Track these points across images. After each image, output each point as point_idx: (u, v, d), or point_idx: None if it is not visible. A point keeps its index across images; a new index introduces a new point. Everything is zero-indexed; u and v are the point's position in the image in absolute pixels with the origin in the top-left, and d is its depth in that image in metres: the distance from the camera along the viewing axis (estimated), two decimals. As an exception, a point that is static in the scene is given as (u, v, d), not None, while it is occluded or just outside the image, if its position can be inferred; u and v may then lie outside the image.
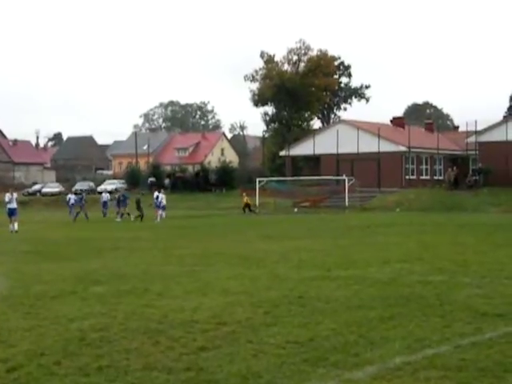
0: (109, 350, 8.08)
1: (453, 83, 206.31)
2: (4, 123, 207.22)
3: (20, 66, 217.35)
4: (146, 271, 15.65)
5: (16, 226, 30.86)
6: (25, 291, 12.71)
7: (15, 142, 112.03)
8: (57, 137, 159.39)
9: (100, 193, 75.17)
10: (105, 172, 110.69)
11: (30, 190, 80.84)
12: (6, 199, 32.26)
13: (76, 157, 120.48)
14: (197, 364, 7.44)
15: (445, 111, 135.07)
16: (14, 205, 31.71)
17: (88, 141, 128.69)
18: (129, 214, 43.49)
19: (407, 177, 63.86)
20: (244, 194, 52.84)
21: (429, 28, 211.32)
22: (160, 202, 42.09)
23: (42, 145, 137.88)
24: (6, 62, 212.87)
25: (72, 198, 49.37)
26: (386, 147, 63.14)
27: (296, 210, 53.74)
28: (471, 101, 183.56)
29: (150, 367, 7.34)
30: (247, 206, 51.87)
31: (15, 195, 32.59)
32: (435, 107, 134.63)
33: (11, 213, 31.53)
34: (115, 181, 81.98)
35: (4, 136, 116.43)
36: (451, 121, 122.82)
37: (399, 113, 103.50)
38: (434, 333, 8.71)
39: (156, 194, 43.42)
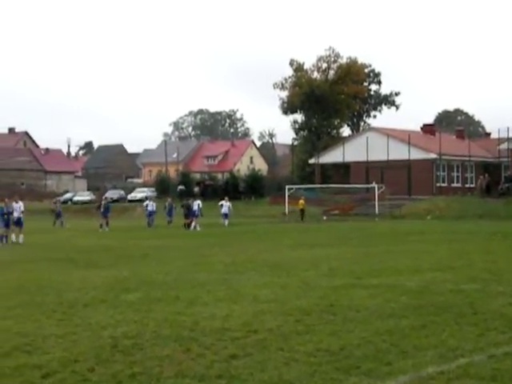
0: (141, 357, 8.13)
1: (484, 90, 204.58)
2: (36, 132, 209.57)
3: (52, 75, 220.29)
4: (177, 279, 15.71)
5: (21, 237, 29.57)
6: (58, 299, 12.85)
7: (47, 150, 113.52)
8: (88, 145, 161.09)
9: (131, 201, 76.06)
10: (135, 180, 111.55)
11: (62, 199, 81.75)
12: (11, 209, 30.07)
13: (106, 165, 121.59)
14: (228, 371, 7.45)
15: (476, 118, 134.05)
16: (18, 214, 29.88)
17: (118, 149, 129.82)
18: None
19: (438, 184, 63.37)
20: (301, 199, 52.91)
21: (459, 35, 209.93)
22: (195, 211, 41.99)
23: (73, 153, 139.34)
24: (38, 71, 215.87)
25: (150, 204, 46.93)
26: (417, 155, 62.74)
27: (325, 217, 53.60)
28: (503, 107, 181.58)
29: (182, 374, 7.37)
30: (301, 212, 52.00)
31: (20, 204, 30.68)
32: (466, 114, 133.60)
33: (17, 222, 29.85)
34: (145, 189, 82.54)
35: (36, 145, 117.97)
36: (483, 127, 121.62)
37: (430, 120, 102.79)
38: (467, 342, 8.63)
39: (195, 202, 43.06)
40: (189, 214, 43.68)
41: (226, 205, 45.86)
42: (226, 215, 45.45)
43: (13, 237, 29.53)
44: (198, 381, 7.15)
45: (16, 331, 9.81)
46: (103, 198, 49.68)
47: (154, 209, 47.12)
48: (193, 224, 41.13)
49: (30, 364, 7.91)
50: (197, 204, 42.34)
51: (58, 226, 46.84)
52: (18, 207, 30.19)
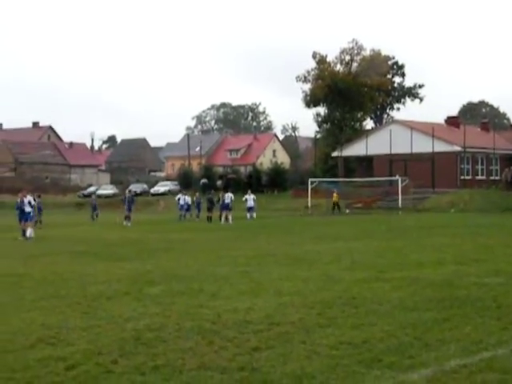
0: (164, 350, 8.17)
1: (509, 81, 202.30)
2: (60, 126, 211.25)
3: (75, 70, 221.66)
4: (200, 272, 15.76)
5: (29, 232, 28.46)
6: (82, 291, 12.96)
7: (71, 144, 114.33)
8: (111, 139, 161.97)
9: (154, 194, 76.42)
10: (158, 174, 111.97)
11: (85, 192, 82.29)
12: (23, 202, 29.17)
13: (130, 159, 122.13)
14: (250, 364, 7.46)
15: (501, 110, 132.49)
16: (28, 208, 28.99)
17: (141, 143, 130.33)
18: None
19: (462, 177, 62.91)
20: (335, 193, 52.98)
21: (483, 26, 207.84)
22: (228, 204, 41.95)
23: (96, 147, 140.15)
24: (61, 66, 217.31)
25: (182, 198, 46.30)
26: (441, 147, 62.33)
27: (348, 211, 53.47)
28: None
29: (205, 367, 7.40)
30: (336, 205, 52.07)
31: (29, 198, 29.69)
32: (491, 106, 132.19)
33: (26, 217, 28.92)
34: (168, 182, 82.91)
35: (60, 139, 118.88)
36: (508, 119, 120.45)
37: (454, 112, 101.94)
38: (490, 335, 8.57)
39: (227, 194, 42.73)
40: (211, 207, 43.71)
41: (250, 198, 45.72)
42: (251, 208, 45.29)
43: (28, 231, 28.68)
44: (221, 373, 7.17)
45: (41, 323, 9.90)
46: (127, 191, 49.46)
47: (189, 202, 46.92)
48: (229, 217, 40.84)
49: (55, 356, 7.98)
50: (229, 197, 42.24)
51: (90, 218, 46.79)
52: (27, 202, 29.36)
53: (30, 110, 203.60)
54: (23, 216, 29.08)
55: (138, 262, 18.47)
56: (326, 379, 6.89)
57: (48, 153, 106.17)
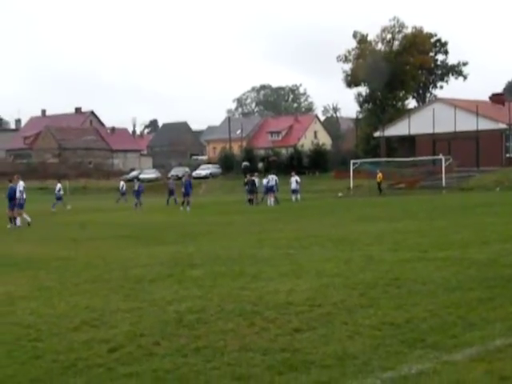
0: (205, 332, 8.19)
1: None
2: (102, 111, 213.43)
3: (117, 55, 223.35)
4: (241, 254, 15.77)
5: (19, 220, 27.54)
6: (124, 274, 13.08)
7: (113, 129, 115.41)
8: (152, 124, 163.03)
9: (196, 178, 76.61)
10: (199, 157, 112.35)
11: (128, 177, 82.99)
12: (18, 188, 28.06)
13: (171, 143, 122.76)
14: (292, 345, 7.44)
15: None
16: (17, 194, 27.71)
17: (183, 127, 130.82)
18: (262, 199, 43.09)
19: (507, 155, 61.86)
20: (379, 174, 52.70)
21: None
22: (273, 186, 42.02)
23: (138, 132, 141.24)
24: (103, 52, 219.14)
25: (269, 178, 43.61)
26: (485, 125, 61.30)
27: (388, 191, 53.05)
28: None
29: (246, 348, 7.40)
30: (378, 185, 51.89)
31: (20, 183, 28.31)
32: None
33: (17, 204, 27.71)
34: (210, 166, 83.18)
35: (102, 124, 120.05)
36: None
37: (499, 89, 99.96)
38: (536, 315, 8.40)
39: (271, 176, 42.92)
40: (253, 189, 43.66)
41: (292, 180, 45.56)
42: (294, 191, 45.12)
43: (18, 219, 27.75)
44: (262, 354, 7.15)
45: (84, 306, 10.03)
46: (183, 174, 48.49)
47: (257, 184, 46.17)
48: (272, 199, 41.04)
49: (98, 338, 8.07)
50: (274, 179, 42.30)
51: (172, 203, 46.27)
52: (18, 187, 28.10)
53: (73, 96, 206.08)
54: (13, 203, 27.92)
55: (179, 245, 18.58)
56: (368, 359, 6.82)
57: (91, 138, 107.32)
